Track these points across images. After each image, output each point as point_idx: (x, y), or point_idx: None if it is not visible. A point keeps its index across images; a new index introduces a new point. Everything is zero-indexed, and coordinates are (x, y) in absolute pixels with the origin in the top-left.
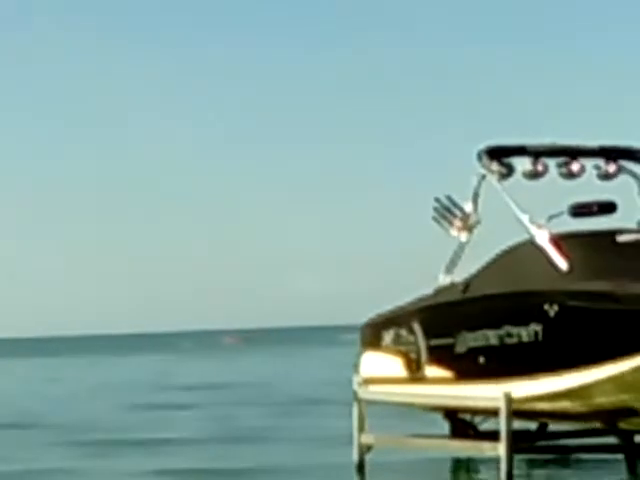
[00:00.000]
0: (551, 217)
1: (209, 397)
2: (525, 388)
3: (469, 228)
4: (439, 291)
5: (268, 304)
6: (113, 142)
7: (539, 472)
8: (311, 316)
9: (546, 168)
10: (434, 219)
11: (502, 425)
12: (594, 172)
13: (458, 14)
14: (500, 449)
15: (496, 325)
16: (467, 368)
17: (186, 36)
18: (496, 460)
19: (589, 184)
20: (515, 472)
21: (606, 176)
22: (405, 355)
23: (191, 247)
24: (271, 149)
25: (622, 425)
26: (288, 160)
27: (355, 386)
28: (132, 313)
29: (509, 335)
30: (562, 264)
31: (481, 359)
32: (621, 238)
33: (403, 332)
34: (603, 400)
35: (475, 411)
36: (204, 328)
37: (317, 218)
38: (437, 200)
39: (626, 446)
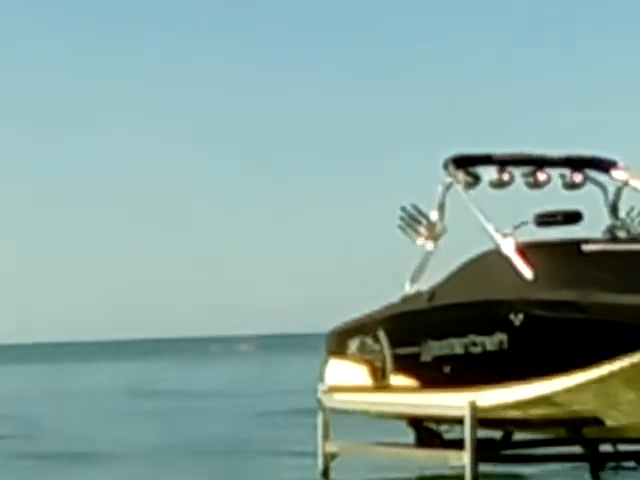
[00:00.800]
0: (516, 226)
1: (193, 405)
2: (490, 397)
3: (435, 237)
4: (405, 300)
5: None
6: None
7: None
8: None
9: (512, 177)
10: (400, 228)
11: (467, 434)
12: (560, 182)
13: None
14: (465, 458)
15: (461, 334)
16: (432, 377)
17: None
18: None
19: (555, 193)
20: None
21: (572, 186)
22: (370, 363)
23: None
24: (246, 160)
25: (587, 434)
26: (263, 172)
27: (320, 394)
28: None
29: (474, 344)
30: (527, 273)
31: (446, 368)
32: (586, 248)
33: (368, 340)
34: (567, 409)
35: (440, 420)
36: (227, 334)
37: (286, 229)
38: (403, 209)
39: (591, 455)
